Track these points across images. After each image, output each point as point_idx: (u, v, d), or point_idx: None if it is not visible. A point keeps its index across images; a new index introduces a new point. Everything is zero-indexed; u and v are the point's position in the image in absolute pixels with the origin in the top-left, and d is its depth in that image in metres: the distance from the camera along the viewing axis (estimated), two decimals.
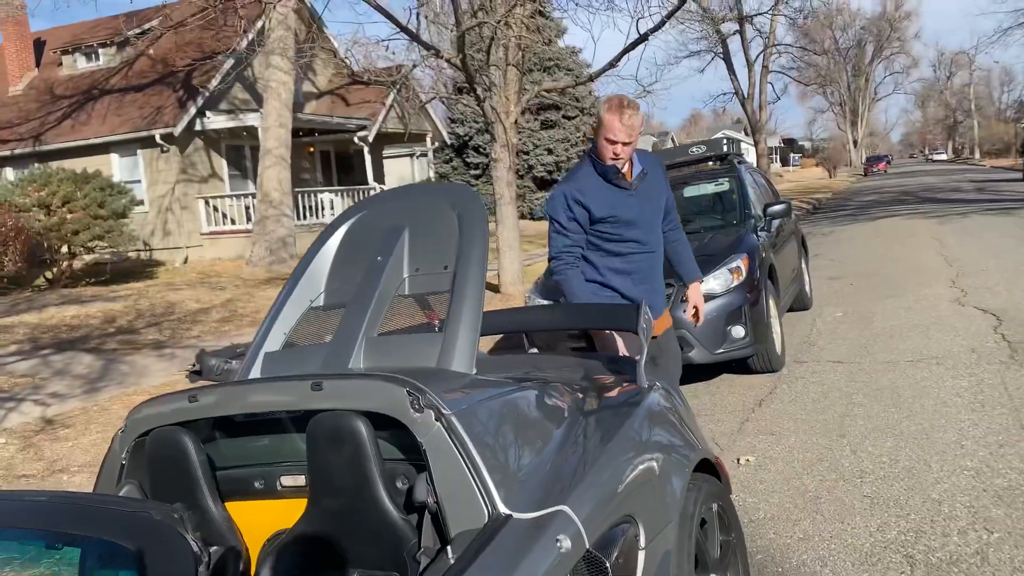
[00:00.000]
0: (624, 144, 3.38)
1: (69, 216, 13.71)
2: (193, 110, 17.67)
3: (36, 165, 16.80)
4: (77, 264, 14.95)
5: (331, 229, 2.78)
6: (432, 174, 25.56)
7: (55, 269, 14.23)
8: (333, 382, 1.95)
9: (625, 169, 3.53)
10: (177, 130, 17.39)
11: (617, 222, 3.51)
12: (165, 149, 17.69)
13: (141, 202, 17.48)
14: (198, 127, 17.94)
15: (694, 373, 5.96)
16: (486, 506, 1.76)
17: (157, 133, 17.36)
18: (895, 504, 3.56)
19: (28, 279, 13.77)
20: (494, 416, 1.95)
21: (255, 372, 2.50)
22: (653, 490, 2.19)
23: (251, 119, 17.42)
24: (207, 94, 17.87)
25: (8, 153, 18.78)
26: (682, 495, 2.27)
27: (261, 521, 2.21)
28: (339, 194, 20.68)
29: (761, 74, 37.31)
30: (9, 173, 18.51)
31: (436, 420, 1.82)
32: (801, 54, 45.12)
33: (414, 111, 16.70)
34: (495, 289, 11.61)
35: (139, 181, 18.02)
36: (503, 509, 1.76)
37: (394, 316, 2.49)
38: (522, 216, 27.44)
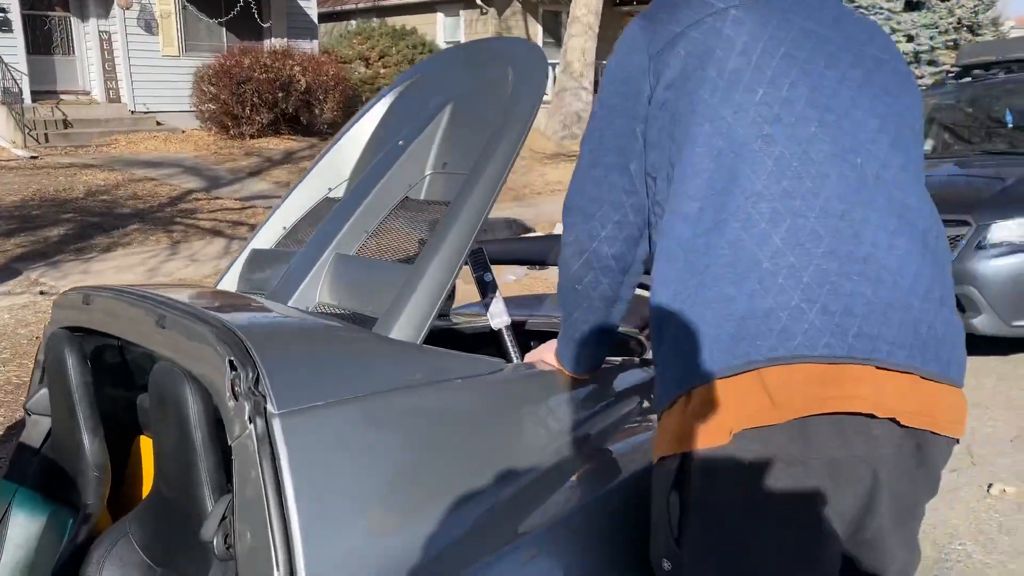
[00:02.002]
0: None
1: (383, 71, 14.39)
2: None
3: (375, 20, 17.81)
4: None
5: (378, 97, 2.09)
6: None
7: None
8: (176, 319, 1.30)
9: None
10: None
11: None
12: (484, 11, 17.76)
13: None
14: None
15: (977, 346, 4.43)
16: None
17: None
18: None
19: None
20: (366, 432, 1.18)
21: (232, 272, 1.95)
22: None
23: None
24: None
25: (353, 7, 20.18)
26: None
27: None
28: None
29: None
30: (353, 26, 19.95)
31: (250, 419, 1.11)
32: None
33: None
34: None
35: (459, 41, 18.43)
36: None
37: (393, 230, 1.76)
38: None
